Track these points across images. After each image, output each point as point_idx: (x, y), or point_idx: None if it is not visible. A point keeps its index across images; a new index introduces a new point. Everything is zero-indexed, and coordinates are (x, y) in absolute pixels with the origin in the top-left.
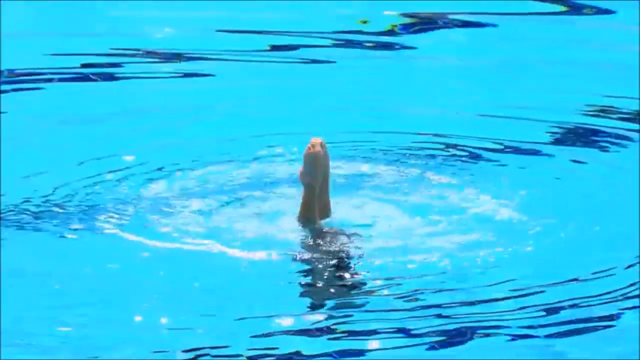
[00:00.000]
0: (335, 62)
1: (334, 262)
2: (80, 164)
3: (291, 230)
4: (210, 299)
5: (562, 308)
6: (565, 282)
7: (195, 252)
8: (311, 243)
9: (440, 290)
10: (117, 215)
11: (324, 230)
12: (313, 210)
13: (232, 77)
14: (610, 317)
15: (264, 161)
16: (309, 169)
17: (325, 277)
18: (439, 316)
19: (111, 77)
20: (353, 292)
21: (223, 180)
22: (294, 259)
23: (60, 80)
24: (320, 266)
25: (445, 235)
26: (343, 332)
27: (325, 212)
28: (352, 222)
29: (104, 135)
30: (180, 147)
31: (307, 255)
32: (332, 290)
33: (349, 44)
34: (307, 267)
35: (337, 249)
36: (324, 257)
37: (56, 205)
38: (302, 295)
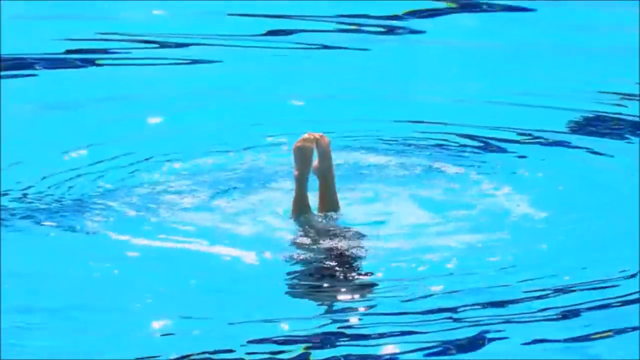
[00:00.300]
0: (339, 47)
1: (340, 262)
2: (63, 153)
3: (293, 228)
4: (208, 300)
5: (586, 310)
6: (588, 283)
7: (191, 251)
8: (315, 242)
9: (452, 292)
10: (103, 212)
11: (329, 228)
12: (303, 205)
13: (228, 64)
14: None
15: (261, 152)
16: (297, 163)
17: (331, 278)
18: (452, 319)
19: (97, 63)
20: (361, 293)
21: (218, 173)
22: (296, 259)
23: (45, 66)
24: (326, 266)
25: (457, 233)
26: (351, 335)
27: (332, 205)
28: (359, 218)
29: (89, 124)
30: (171, 136)
31: (310, 255)
32: (339, 291)
33: (354, 29)
34: (310, 267)
35: (343, 248)
36: (329, 257)
37: (39, 199)
38: (307, 297)
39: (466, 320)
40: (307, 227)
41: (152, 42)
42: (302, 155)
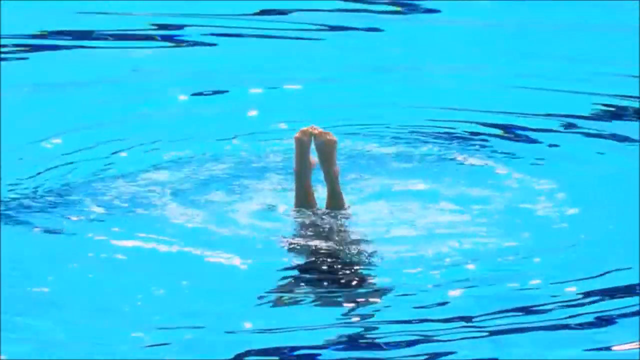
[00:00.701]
0: (346, 27)
1: (351, 266)
2: (43, 141)
3: (289, 225)
4: (206, 306)
5: (616, 317)
6: (619, 288)
7: (186, 254)
8: (308, 241)
9: (468, 297)
10: (89, 209)
11: (336, 230)
12: (305, 201)
13: (220, 46)
14: None
15: (258, 143)
16: (294, 155)
17: (341, 283)
18: (468, 327)
19: (82, 45)
20: (374, 300)
21: (213, 166)
22: (304, 263)
23: (28, 47)
24: (319, 268)
25: (472, 232)
26: (364, 344)
27: (336, 206)
28: (368, 216)
29: (74, 108)
30: (160, 124)
31: (318, 259)
32: (350, 298)
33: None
34: (319, 272)
35: (353, 252)
36: (320, 258)
37: (21, 194)
38: (316, 304)
39: (484, 328)
40: (303, 224)
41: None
42: (298, 149)
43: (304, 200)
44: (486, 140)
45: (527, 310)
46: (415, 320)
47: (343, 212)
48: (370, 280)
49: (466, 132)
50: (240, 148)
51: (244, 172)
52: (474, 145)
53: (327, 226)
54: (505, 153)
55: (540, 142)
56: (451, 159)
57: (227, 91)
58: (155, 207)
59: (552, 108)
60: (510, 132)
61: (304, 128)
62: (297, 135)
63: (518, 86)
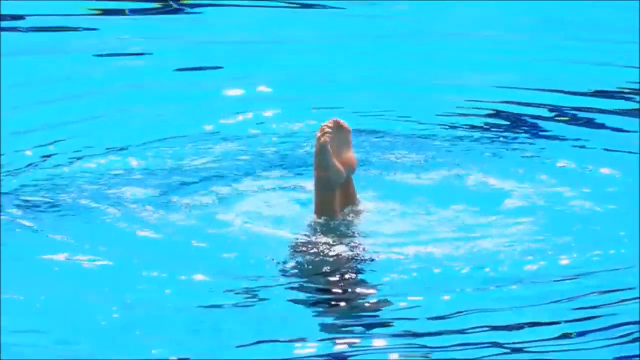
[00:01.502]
0: (344, 8)
1: (355, 274)
2: (16, 134)
3: (295, 231)
4: (200, 318)
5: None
6: None
7: (181, 257)
8: (325, 250)
9: (483, 311)
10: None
11: (339, 233)
12: (332, 210)
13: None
14: None
15: (253, 134)
16: (317, 161)
17: (346, 293)
18: (492, 344)
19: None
20: (378, 312)
21: (205, 160)
22: (304, 270)
23: None
24: (340, 279)
25: (489, 236)
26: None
27: (351, 200)
28: (373, 218)
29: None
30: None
31: (321, 266)
32: (355, 309)
33: None
34: (322, 281)
35: (358, 257)
36: (343, 267)
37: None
38: (320, 314)
39: (506, 345)
40: (324, 232)
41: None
42: (321, 151)
43: (331, 210)
44: (503, 133)
45: (553, 326)
46: (426, 333)
47: (356, 209)
48: (370, 291)
49: (483, 122)
50: (235, 142)
51: (243, 169)
52: (491, 137)
53: (343, 229)
54: (524, 144)
55: (555, 136)
56: (467, 153)
57: (216, 78)
58: (141, 210)
59: (578, 101)
60: (529, 126)
61: (324, 126)
62: (318, 139)
63: (540, 76)
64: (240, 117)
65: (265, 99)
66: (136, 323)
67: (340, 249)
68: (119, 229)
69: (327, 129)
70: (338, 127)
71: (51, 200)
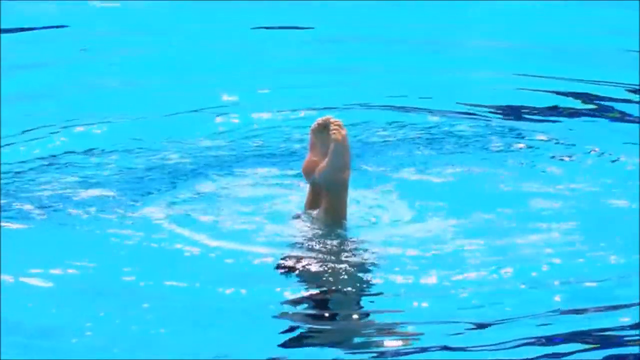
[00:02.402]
0: None
1: (357, 289)
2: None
3: (295, 232)
4: (192, 335)
5: None
6: None
7: (174, 262)
8: (325, 263)
9: (492, 324)
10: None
11: (338, 242)
12: (343, 215)
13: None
14: None
15: (243, 130)
16: (339, 163)
17: (348, 308)
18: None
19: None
20: (384, 331)
21: (194, 158)
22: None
23: None
24: (341, 295)
25: (498, 246)
26: None
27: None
28: (370, 222)
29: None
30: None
31: (322, 283)
32: (356, 327)
33: None
34: (322, 297)
35: (359, 266)
36: (345, 282)
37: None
38: (320, 333)
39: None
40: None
41: None
42: (344, 152)
43: (342, 216)
44: (509, 137)
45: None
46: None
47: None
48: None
49: (490, 125)
50: (220, 139)
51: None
52: (502, 132)
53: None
54: (541, 141)
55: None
56: (475, 159)
57: (201, 70)
58: (129, 212)
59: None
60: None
61: (336, 122)
62: (338, 139)
63: (549, 75)
64: (223, 112)
65: (252, 93)
66: (124, 328)
67: (355, 255)
68: (96, 233)
69: (337, 127)
70: (325, 126)
71: (20, 206)
